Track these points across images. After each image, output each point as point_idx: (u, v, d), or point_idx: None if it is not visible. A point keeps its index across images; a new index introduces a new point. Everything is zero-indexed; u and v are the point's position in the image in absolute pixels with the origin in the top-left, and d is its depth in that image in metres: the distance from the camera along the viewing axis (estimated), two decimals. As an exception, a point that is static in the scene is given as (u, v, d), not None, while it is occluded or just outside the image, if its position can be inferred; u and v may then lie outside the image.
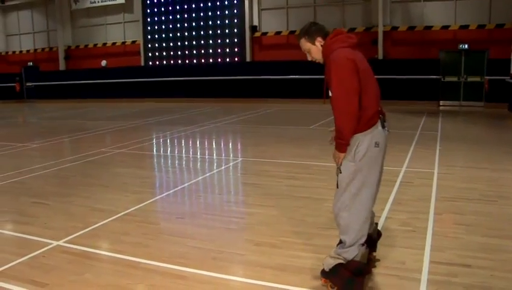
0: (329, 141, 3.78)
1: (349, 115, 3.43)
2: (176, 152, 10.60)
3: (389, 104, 15.95)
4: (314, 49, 3.69)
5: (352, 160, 3.57)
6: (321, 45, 3.66)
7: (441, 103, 19.58)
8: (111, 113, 20.12)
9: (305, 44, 3.74)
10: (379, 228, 5.03)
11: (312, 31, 3.70)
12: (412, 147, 9.88)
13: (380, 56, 20.39)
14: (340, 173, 3.64)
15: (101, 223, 5.55)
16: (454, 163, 8.35)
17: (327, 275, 3.77)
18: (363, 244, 3.74)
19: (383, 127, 3.63)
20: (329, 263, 3.75)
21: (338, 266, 3.70)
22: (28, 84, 29.50)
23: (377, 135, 3.58)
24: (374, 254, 4.17)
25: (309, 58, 3.76)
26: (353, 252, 3.68)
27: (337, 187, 3.70)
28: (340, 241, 3.78)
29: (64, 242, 4.94)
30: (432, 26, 19.76)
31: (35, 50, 29.61)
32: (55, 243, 4.91)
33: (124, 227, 5.43)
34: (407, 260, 4.30)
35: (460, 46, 19.22)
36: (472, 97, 19.32)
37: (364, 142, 3.53)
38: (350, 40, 3.61)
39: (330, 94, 3.55)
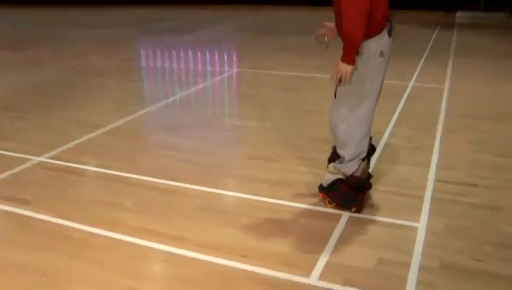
0: (317, 39, 3.72)
1: (360, 13, 3.19)
2: (167, 63, 10.49)
3: (397, 14, 15.55)
4: None
5: (356, 68, 3.41)
6: None
7: (458, 14, 19.07)
8: (97, 20, 19.67)
9: None
10: (382, 143, 5.12)
11: None
12: (422, 60, 9.78)
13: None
14: (340, 82, 3.47)
15: (86, 137, 5.58)
16: (468, 78, 8.29)
17: (325, 190, 3.82)
18: (363, 159, 3.75)
19: (390, 35, 3.49)
20: (328, 178, 3.78)
21: (337, 182, 3.74)
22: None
23: (383, 43, 3.43)
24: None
25: None
26: (353, 167, 3.69)
27: (335, 97, 3.61)
28: (339, 156, 3.77)
29: (47, 158, 4.97)
30: None
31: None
32: (36, 158, 4.95)
33: (111, 141, 5.47)
34: (411, 177, 4.36)
35: None
36: (494, 7, 18.73)
37: (368, 49, 3.39)
38: None
39: None
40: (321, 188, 3.86)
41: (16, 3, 27.40)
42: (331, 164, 3.84)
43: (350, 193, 3.70)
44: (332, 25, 3.71)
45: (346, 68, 3.34)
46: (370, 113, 3.63)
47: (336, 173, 3.76)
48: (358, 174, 3.72)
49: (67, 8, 24.39)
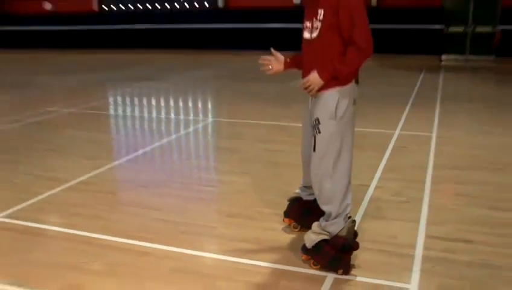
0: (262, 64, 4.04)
1: (367, 53, 3.54)
2: (137, 112, 10.54)
3: (383, 59, 16.09)
4: None
5: (333, 117, 3.65)
6: None
7: (443, 57, 19.54)
8: (60, 66, 19.78)
9: None
10: (368, 197, 5.19)
11: None
12: (407, 107, 9.99)
13: (374, 3, 20.34)
14: (319, 133, 3.70)
15: (49, 193, 5.55)
16: (456, 126, 8.45)
17: (309, 252, 3.85)
18: (349, 217, 3.84)
19: (357, 82, 3.78)
20: (312, 239, 3.82)
21: (322, 243, 3.78)
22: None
23: (354, 91, 3.75)
24: None
25: None
26: (339, 226, 3.76)
27: (314, 150, 3.76)
28: (323, 214, 3.85)
29: (6, 217, 4.92)
30: (434, -32, 19.71)
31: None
32: (-5, 217, 4.92)
33: (77, 198, 5.44)
34: (400, 234, 4.40)
35: (469, -10, 19.13)
36: (480, 51, 19.20)
37: (344, 98, 3.66)
38: None
39: (310, 35, 3.69)
40: (305, 249, 3.89)
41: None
42: (315, 223, 3.89)
43: (336, 254, 3.73)
44: (280, 56, 4.06)
45: (318, 82, 3.64)
46: (350, 164, 3.84)
47: (320, 234, 3.80)
48: (344, 233, 3.77)
49: (24, 53, 24.55)
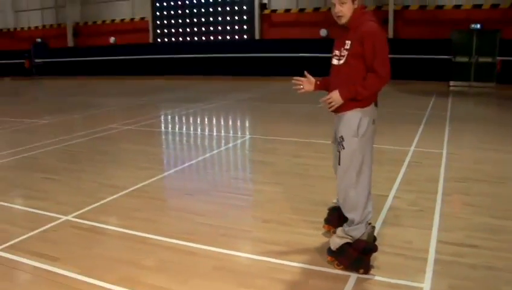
0: (294, 84, 4.06)
1: (385, 80, 3.56)
2: (184, 129, 10.61)
3: (399, 84, 15.92)
4: (349, 5, 3.63)
5: (356, 135, 3.67)
6: (354, 8, 3.64)
7: (451, 83, 19.32)
8: (120, 90, 20.11)
9: None
10: (386, 206, 5.10)
11: None
12: (421, 127, 9.82)
13: (390, 35, 20.18)
14: (343, 149, 3.71)
15: (110, 198, 5.60)
16: (463, 144, 8.31)
17: (334, 254, 3.82)
18: (369, 223, 3.83)
19: (376, 104, 3.80)
20: (336, 242, 3.80)
21: (345, 246, 3.75)
22: (37, 60, 29.46)
23: (374, 112, 3.76)
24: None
25: (336, 10, 3.65)
26: (361, 231, 3.74)
27: (339, 164, 3.77)
28: (346, 220, 3.84)
29: (74, 217, 4.99)
30: (443, 6, 19.50)
31: (44, 26, 29.49)
32: (64, 217, 4.97)
33: (133, 203, 5.48)
34: (414, 239, 4.31)
35: (473, 26, 18.95)
36: (483, 78, 19.04)
37: (365, 118, 3.68)
38: (375, 18, 3.71)
39: (338, 62, 3.71)
40: (330, 251, 3.86)
41: (49, 74, 28.17)
42: (339, 228, 3.87)
43: (358, 256, 3.70)
44: (311, 78, 4.06)
45: (339, 100, 3.65)
46: (370, 177, 3.83)
47: (344, 237, 3.78)
48: (365, 237, 3.74)
49: (91, 79, 25.08)
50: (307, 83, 4.08)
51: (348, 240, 3.75)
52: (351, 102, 3.65)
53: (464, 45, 19.26)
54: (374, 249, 3.79)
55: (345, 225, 3.84)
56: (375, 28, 3.60)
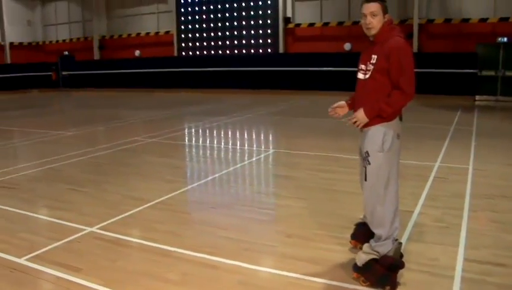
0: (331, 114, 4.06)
1: (410, 97, 3.58)
2: (208, 142, 10.65)
3: (423, 98, 15.72)
4: (379, 18, 3.64)
5: (381, 150, 3.66)
6: (384, 21, 3.65)
7: (477, 97, 19.01)
8: (144, 102, 20.31)
9: (377, 8, 3.64)
10: (412, 222, 5.03)
11: (386, 5, 3.70)
12: (446, 142, 9.69)
13: (415, 49, 20.05)
14: (369, 164, 3.70)
15: (134, 210, 5.63)
16: (490, 159, 8.14)
17: (360, 270, 3.77)
18: (396, 239, 3.78)
19: (401, 119, 3.80)
20: (362, 258, 3.76)
21: (371, 262, 3.71)
22: (63, 73, 30.00)
23: (398, 127, 3.76)
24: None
25: (366, 21, 3.65)
26: (388, 247, 3.70)
27: (365, 180, 3.75)
28: (373, 236, 3.80)
29: (98, 229, 5.03)
30: (469, 19, 19.32)
31: (71, 40, 30.11)
32: (89, 229, 5.01)
33: (157, 215, 5.50)
34: (441, 256, 4.24)
35: (499, 39, 18.69)
36: (510, 92, 18.64)
37: (390, 132, 3.68)
38: (402, 33, 3.72)
39: (364, 76, 3.72)
40: (356, 267, 3.81)
41: (75, 86, 28.67)
42: (366, 244, 3.83)
43: (384, 272, 3.64)
44: (341, 103, 4.05)
45: (363, 118, 3.68)
46: (397, 192, 3.80)
47: (370, 253, 3.73)
48: (391, 253, 3.69)
49: (116, 91, 25.39)
50: (340, 109, 4.07)
51: (375, 256, 3.71)
52: (375, 117, 3.65)
53: (491, 58, 18.95)
54: (401, 265, 3.74)
55: (371, 240, 3.80)
56: (402, 43, 3.59)
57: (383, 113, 3.61)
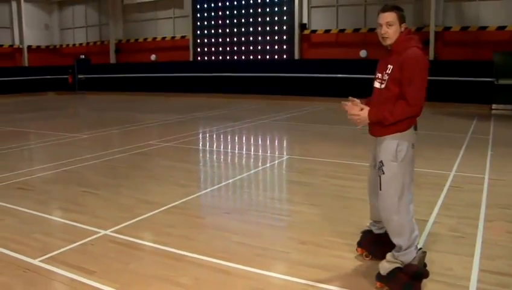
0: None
1: (416, 108, 3.55)
2: (222, 147, 10.66)
3: (439, 107, 15.70)
4: (395, 28, 3.64)
5: (395, 160, 3.65)
6: (400, 31, 3.65)
7: (494, 106, 18.81)
8: (159, 106, 20.41)
9: (393, 18, 3.64)
10: (426, 232, 4.99)
11: (403, 14, 3.70)
12: (461, 150, 9.61)
13: (431, 57, 19.93)
14: (383, 173, 3.69)
15: (148, 214, 5.66)
16: (506, 169, 8.04)
17: (383, 279, 3.75)
18: (420, 249, 3.78)
19: (415, 128, 3.77)
20: (386, 267, 3.74)
21: (395, 270, 3.69)
22: (79, 76, 30.27)
23: (413, 137, 3.73)
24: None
25: (382, 31, 3.64)
26: (411, 255, 3.68)
27: (380, 189, 3.73)
28: (392, 245, 3.78)
29: (112, 232, 5.06)
30: (486, 27, 19.16)
31: (88, 43, 30.39)
32: (103, 232, 5.05)
33: (170, 219, 5.52)
34: (455, 266, 4.19)
35: (517, 47, 18.53)
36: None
37: (404, 142, 3.65)
38: (421, 44, 3.69)
39: (380, 86, 3.70)
40: (379, 277, 3.79)
41: (91, 90, 28.90)
42: (389, 253, 3.80)
43: (408, 281, 3.63)
44: (356, 100, 3.83)
45: (364, 119, 3.69)
46: (412, 201, 3.80)
47: (394, 262, 3.71)
48: (415, 262, 3.68)
49: (131, 95, 25.54)
50: (351, 104, 3.99)
51: (398, 265, 3.69)
52: (390, 126, 3.62)
53: (508, 67, 18.72)
54: (426, 274, 3.72)
55: (393, 250, 3.78)
56: (419, 55, 3.56)
57: (384, 121, 3.59)
